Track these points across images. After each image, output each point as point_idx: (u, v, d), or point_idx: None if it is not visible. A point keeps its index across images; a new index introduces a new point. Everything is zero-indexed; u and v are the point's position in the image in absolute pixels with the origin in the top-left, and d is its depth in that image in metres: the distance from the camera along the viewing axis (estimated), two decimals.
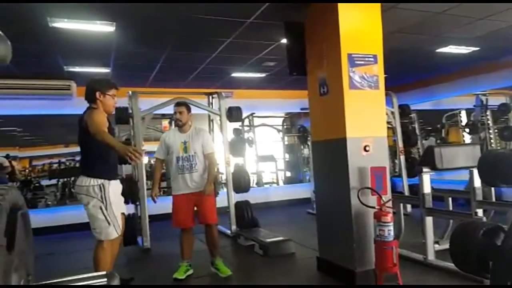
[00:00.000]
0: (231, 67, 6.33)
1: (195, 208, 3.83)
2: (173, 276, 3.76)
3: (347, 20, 3.55)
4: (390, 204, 3.33)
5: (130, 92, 5.27)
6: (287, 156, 10.60)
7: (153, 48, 5.16)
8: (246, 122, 9.71)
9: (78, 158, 11.97)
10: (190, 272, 3.90)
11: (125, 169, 6.58)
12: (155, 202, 3.83)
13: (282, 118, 10.46)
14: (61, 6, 3.70)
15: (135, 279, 3.63)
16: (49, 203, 8.55)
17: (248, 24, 4.35)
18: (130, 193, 4.94)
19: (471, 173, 3.89)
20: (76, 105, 6.60)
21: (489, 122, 7.86)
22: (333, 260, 3.74)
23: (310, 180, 7.56)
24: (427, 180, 3.91)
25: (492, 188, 4.27)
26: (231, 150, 5.60)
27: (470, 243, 1.88)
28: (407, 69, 7.31)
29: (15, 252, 0.94)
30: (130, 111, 5.16)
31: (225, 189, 5.68)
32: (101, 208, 2.86)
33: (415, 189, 5.09)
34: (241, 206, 5.44)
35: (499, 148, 7.83)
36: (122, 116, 5.09)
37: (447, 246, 2.14)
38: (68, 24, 4.09)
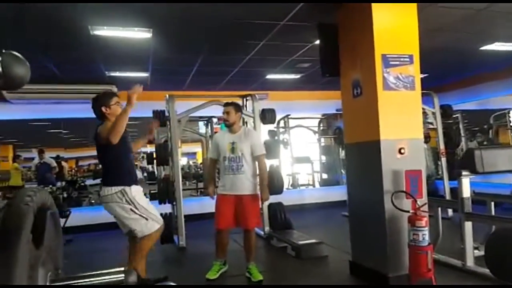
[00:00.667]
0: (265, 69, 6.36)
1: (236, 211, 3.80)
2: (206, 276, 3.82)
3: (381, 20, 3.48)
4: (425, 208, 3.23)
5: (167, 95, 5.43)
6: (323, 157, 10.49)
7: (188, 53, 5.30)
8: (282, 123, 9.75)
9: None
10: (224, 269, 3.94)
11: (163, 170, 6.80)
12: (212, 198, 3.92)
13: (318, 120, 10.36)
14: (101, 15, 3.89)
15: (169, 278, 3.71)
16: (93, 201, 8.96)
17: (281, 26, 4.37)
18: (167, 193, 5.09)
19: None
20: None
21: None
22: (366, 264, 3.67)
23: (346, 183, 7.44)
24: (466, 184, 3.75)
25: None
26: (265, 152, 5.61)
27: (508, 249, 1.80)
28: (449, 68, 7.04)
29: (43, 248, 1.02)
30: (167, 114, 5.31)
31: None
32: (131, 210, 2.94)
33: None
34: (274, 208, 5.46)
35: None
36: (159, 119, 5.24)
37: None
38: (108, 31, 4.29)
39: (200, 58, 5.46)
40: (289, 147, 9.81)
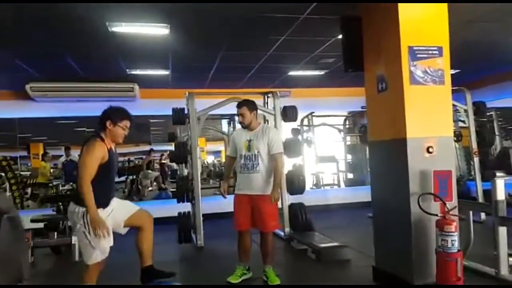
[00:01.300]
0: (287, 65, 6.20)
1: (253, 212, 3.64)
2: (227, 279, 3.68)
3: (407, 9, 3.26)
4: (455, 211, 3.00)
5: (187, 93, 5.37)
6: (349, 157, 10.21)
7: (207, 49, 5.20)
8: (305, 122, 9.55)
9: (144, 157, 12.69)
10: (247, 276, 3.77)
11: (185, 168, 6.75)
12: (224, 197, 3.82)
13: (344, 117, 10.08)
14: (118, 10, 3.84)
15: (175, 275, 3.55)
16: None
17: (302, 20, 4.20)
18: (185, 192, 5.04)
19: None
20: (140, 107, 7.02)
21: None
22: (389, 270, 3.46)
23: (370, 183, 7.19)
24: (500, 186, 3.47)
25: None
26: (286, 150, 5.45)
27: None
28: (482, 63, 6.65)
29: None
30: (186, 112, 5.25)
31: None
32: (84, 233, 2.78)
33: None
34: (295, 208, 5.30)
35: None
36: (179, 117, 5.19)
37: None
38: (125, 28, 4.25)
39: (220, 55, 5.36)
40: (313, 146, 9.59)
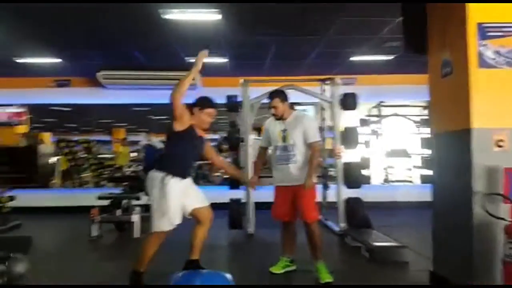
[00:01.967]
0: (348, 49, 5.83)
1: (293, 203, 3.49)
2: (270, 269, 3.60)
3: None
4: None
5: (241, 80, 5.29)
6: (425, 151, 9.39)
7: (261, 35, 5.07)
8: (375, 112, 8.99)
9: (212, 144, 13.01)
10: (291, 268, 3.65)
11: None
12: (254, 189, 3.71)
13: (419, 108, 9.27)
14: None
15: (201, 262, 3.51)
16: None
17: None
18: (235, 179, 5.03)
19: None
20: (201, 95, 7.08)
21: None
22: (448, 277, 3.08)
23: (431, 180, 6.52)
24: None
25: None
26: (343, 141, 5.15)
27: None
28: None
29: None
30: (240, 99, 5.18)
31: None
32: (159, 199, 2.93)
33: None
34: (351, 204, 4.99)
35: None
36: (232, 104, 5.15)
37: None
38: (177, 15, 4.28)
39: (275, 40, 5.20)
40: (382, 138, 8.99)
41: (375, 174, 9.25)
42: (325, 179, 5.68)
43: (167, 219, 2.94)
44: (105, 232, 5.31)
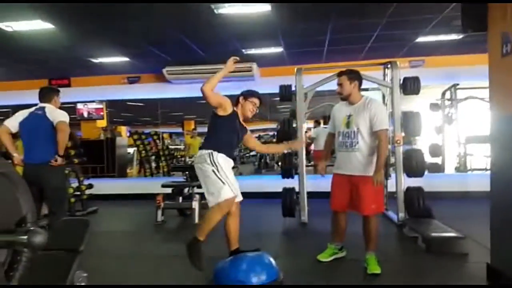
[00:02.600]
0: (411, 30, 5.47)
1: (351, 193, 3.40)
2: (317, 257, 3.61)
3: None
4: None
5: (296, 68, 5.27)
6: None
7: (315, 21, 4.97)
8: (448, 95, 8.35)
9: (271, 133, 13.16)
10: (340, 255, 3.64)
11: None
12: (322, 176, 3.69)
13: None
14: None
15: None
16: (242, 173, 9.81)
17: None
18: (289, 167, 5.07)
19: None
20: (260, 85, 7.20)
21: None
22: (506, 272, 2.84)
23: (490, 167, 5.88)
24: None
25: None
26: (404, 127, 4.89)
27: None
28: None
29: None
30: (294, 88, 5.16)
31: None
32: (213, 171, 3.01)
33: None
34: (411, 193, 4.74)
35: None
36: (285, 94, 5.16)
37: None
38: (229, 9, 4.39)
39: (330, 25, 5.06)
40: (456, 123, 8.34)
41: (450, 162, 8.63)
42: (386, 168, 5.45)
43: (229, 186, 3.02)
44: (169, 218, 5.69)
